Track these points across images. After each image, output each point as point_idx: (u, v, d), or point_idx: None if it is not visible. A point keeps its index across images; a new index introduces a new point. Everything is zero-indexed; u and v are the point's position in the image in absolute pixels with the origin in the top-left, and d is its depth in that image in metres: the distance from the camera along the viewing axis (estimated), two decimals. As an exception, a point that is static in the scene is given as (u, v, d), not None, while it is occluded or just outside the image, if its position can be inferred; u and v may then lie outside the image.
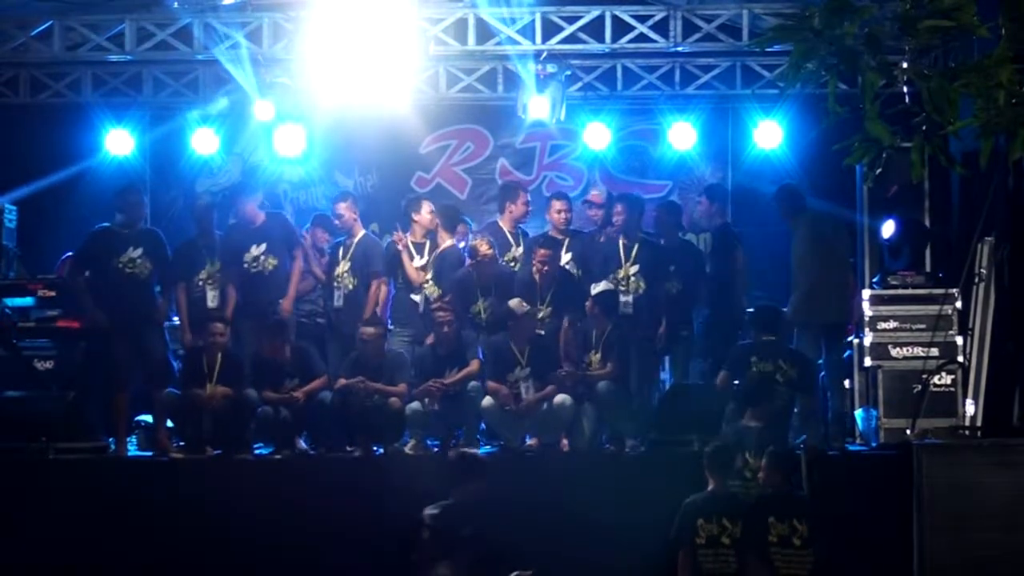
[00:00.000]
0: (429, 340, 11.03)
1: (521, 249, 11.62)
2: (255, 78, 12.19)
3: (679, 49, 12.21)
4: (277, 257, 11.27)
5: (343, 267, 11.53)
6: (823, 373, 10.92)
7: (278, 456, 10.59)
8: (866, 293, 11.15)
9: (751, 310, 10.99)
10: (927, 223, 11.85)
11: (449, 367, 10.75)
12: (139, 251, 10.75)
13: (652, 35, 12.01)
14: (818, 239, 10.91)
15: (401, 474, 10.13)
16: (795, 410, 10.21)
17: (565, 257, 11.51)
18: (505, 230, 11.74)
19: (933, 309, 10.72)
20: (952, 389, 10.74)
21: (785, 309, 10.94)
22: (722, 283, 11.35)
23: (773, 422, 9.50)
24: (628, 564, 9.51)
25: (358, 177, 14.15)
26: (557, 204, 11.67)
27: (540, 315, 11.07)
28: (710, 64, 12.92)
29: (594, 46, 12.16)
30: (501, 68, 13.00)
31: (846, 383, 11.13)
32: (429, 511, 8.59)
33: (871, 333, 10.97)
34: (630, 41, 12.09)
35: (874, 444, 10.74)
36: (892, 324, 10.98)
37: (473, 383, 10.61)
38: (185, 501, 10.07)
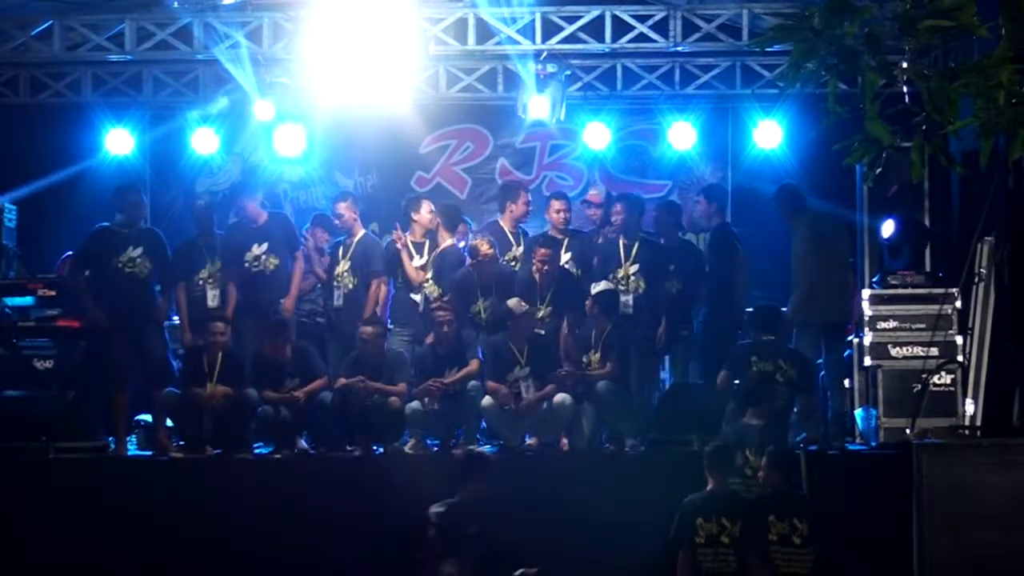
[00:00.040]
0: (428, 339, 11.03)
1: (521, 249, 11.63)
2: (255, 78, 12.19)
3: (679, 49, 12.20)
4: (279, 257, 11.28)
5: (343, 267, 11.53)
6: (823, 372, 10.93)
7: (278, 456, 10.59)
8: (866, 293, 11.15)
9: (750, 310, 10.99)
10: (927, 223, 11.85)
11: (449, 367, 10.75)
12: (139, 251, 10.75)
13: (652, 35, 12.01)
14: (818, 239, 10.91)
15: (401, 474, 10.14)
16: (795, 409, 10.23)
17: (564, 257, 11.51)
18: (506, 230, 11.74)
19: (933, 309, 10.72)
20: (952, 389, 10.74)
21: (785, 309, 10.96)
22: (721, 283, 11.35)
23: (774, 421, 9.51)
24: (628, 564, 9.51)
25: (358, 177, 14.15)
26: (556, 204, 11.68)
27: (540, 315, 11.08)
28: (710, 64, 12.91)
29: (594, 46, 12.15)
30: (501, 68, 13.00)
31: (846, 383, 11.12)
32: (435, 509, 8.60)
33: (871, 333, 10.97)
34: (630, 41, 12.09)
35: (874, 444, 10.74)
36: (892, 324, 10.98)
37: (473, 383, 10.61)
38: (185, 501, 10.07)
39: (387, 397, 10.59)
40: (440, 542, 8.44)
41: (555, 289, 11.15)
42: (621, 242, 11.36)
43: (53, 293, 11.46)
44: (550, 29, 12.04)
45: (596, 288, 11.01)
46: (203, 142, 13.35)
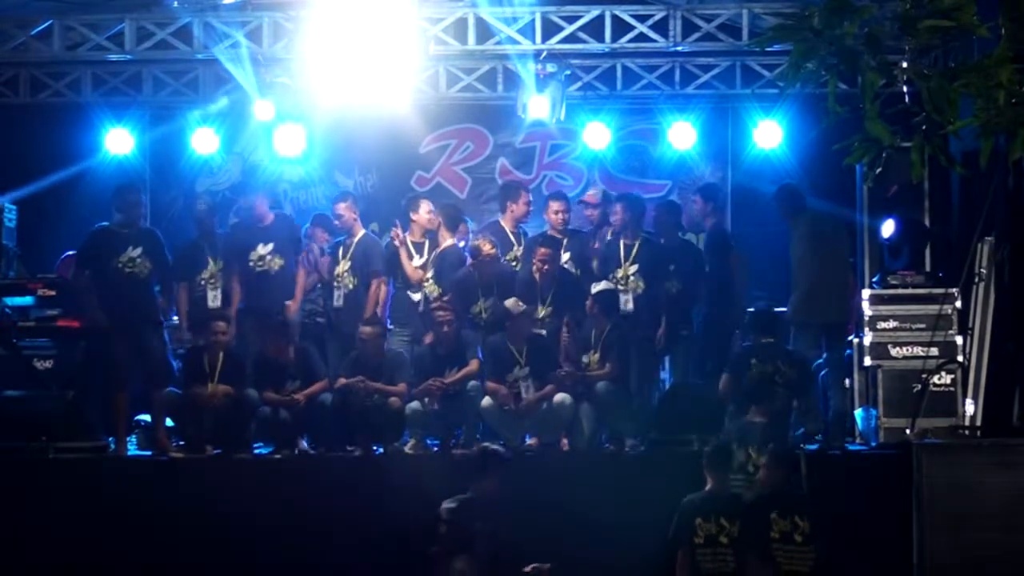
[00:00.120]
0: (428, 339, 11.03)
1: (522, 248, 11.63)
2: (255, 78, 12.18)
3: (679, 49, 12.19)
4: (284, 258, 11.29)
5: (343, 267, 11.54)
6: (824, 372, 10.93)
7: (278, 456, 10.59)
8: (866, 293, 11.15)
9: (751, 310, 11.00)
10: (927, 223, 11.84)
11: (449, 367, 10.75)
12: (139, 251, 10.74)
13: (652, 35, 12.00)
14: (818, 239, 10.91)
15: (401, 474, 10.15)
16: (793, 408, 10.25)
17: (563, 257, 11.50)
18: (507, 229, 11.75)
19: (933, 309, 10.72)
20: (952, 389, 10.74)
21: (785, 309, 10.97)
22: (718, 283, 11.34)
23: (776, 419, 9.52)
24: (628, 564, 9.52)
25: (358, 177, 14.15)
26: (554, 205, 11.68)
27: (541, 315, 11.08)
28: (710, 64, 12.91)
29: (594, 46, 12.14)
30: (501, 68, 12.99)
31: (846, 382, 11.12)
32: (446, 505, 8.60)
33: (871, 333, 10.97)
34: (630, 41, 12.08)
35: (874, 444, 10.74)
36: (892, 324, 10.97)
37: (473, 383, 10.61)
38: (185, 501, 10.07)
39: (387, 397, 10.59)
40: (452, 538, 8.44)
41: (555, 289, 11.15)
42: (622, 242, 11.37)
43: (53, 293, 11.46)
44: (550, 29, 12.03)
45: (596, 288, 11.02)
46: (203, 142, 13.35)
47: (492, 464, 8.87)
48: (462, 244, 11.66)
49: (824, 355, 10.99)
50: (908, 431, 10.12)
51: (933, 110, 6.46)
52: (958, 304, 10.81)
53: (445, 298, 11.16)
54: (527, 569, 8.48)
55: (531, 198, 12.00)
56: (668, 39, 11.98)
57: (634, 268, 11.25)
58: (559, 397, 10.53)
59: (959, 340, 10.79)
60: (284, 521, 9.96)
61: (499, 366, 10.72)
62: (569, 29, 12.00)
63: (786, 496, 8.67)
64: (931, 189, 11.84)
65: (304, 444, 10.65)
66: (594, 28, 12.01)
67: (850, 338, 11.27)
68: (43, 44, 12.15)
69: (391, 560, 9.80)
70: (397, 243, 11.59)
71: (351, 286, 11.50)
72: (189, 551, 9.95)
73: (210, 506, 10.06)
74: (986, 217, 10.38)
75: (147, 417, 10.98)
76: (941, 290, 10.88)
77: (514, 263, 11.57)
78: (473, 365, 10.71)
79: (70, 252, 11.75)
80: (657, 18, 11.98)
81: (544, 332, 11.05)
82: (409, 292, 11.60)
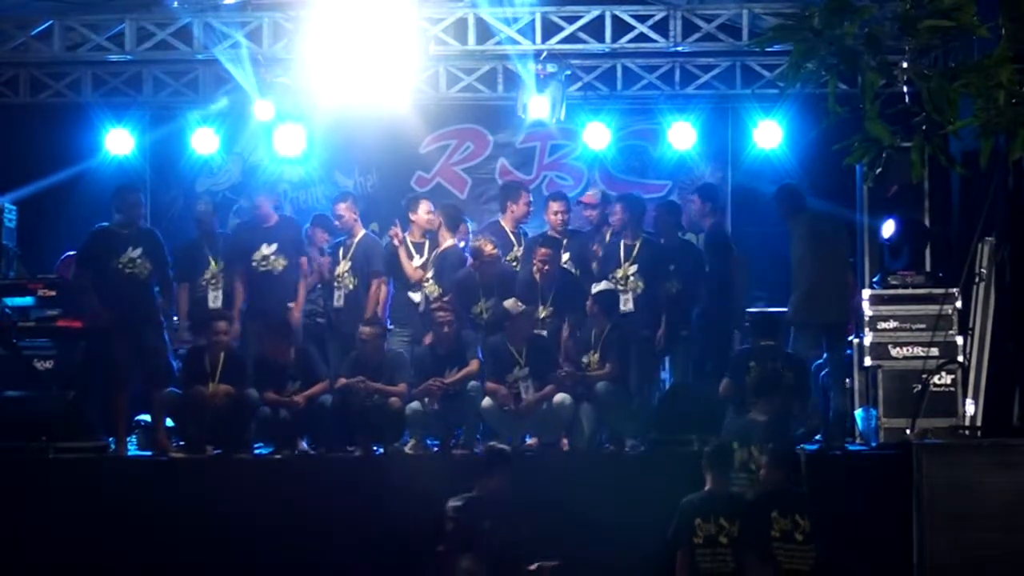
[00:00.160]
0: (427, 339, 11.02)
1: (522, 249, 11.63)
2: (255, 78, 12.19)
3: (679, 49, 12.20)
4: (287, 259, 11.29)
5: (343, 267, 11.54)
6: (824, 371, 10.93)
7: (278, 456, 10.58)
8: (866, 293, 11.15)
9: (751, 311, 11.00)
10: (927, 223, 11.84)
11: (449, 367, 10.75)
12: (138, 251, 10.73)
13: (652, 35, 12.00)
14: (817, 239, 10.89)
15: (401, 474, 10.15)
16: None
17: (563, 257, 11.50)
18: (507, 230, 11.74)
19: (933, 309, 10.72)
20: (952, 389, 10.74)
21: (785, 309, 10.97)
22: (717, 283, 11.32)
23: (779, 417, 9.52)
24: (628, 564, 9.52)
25: (358, 177, 14.15)
26: (554, 205, 11.67)
27: (542, 315, 11.08)
28: (710, 64, 12.91)
29: (594, 46, 12.15)
30: (501, 68, 12.99)
31: (847, 382, 11.12)
32: (452, 503, 8.60)
33: (871, 333, 10.97)
34: (630, 41, 12.08)
35: (874, 444, 10.74)
36: (892, 324, 10.97)
37: (473, 383, 10.61)
38: (185, 501, 10.06)
39: (387, 397, 10.59)
40: (458, 536, 8.44)
41: (556, 290, 11.15)
42: (622, 242, 11.37)
43: (53, 293, 11.46)
44: (550, 29, 12.03)
45: (596, 288, 11.02)
46: (203, 142, 13.35)
47: (498, 462, 8.87)
48: (462, 244, 11.66)
49: (824, 355, 10.98)
50: (908, 431, 10.12)
51: (933, 110, 6.46)
52: (958, 304, 10.81)
53: (445, 298, 11.15)
54: (532, 567, 8.49)
55: (531, 198, 12.00)
56: (668, 39, 11.98)
57: (634, 268, 11.25)
58: (559, 397, 10.53)
59: (959, 340, 10.79)
60: (284, 521, 9.96)
61: (499, 366, 10.71)
62: (569, 29, 12.00)
63: (787, 495, 8.67)
64: (931, 189, 11.84)
65: (304, 444, 10.64)
66: (594, 28, 12.02)
67: (850, 338, 11.27)
68: (43, 44, 12.15)
69: (391, 560, 9.80)
70: (396, 243, 11.59)
71: (351, 286, 11.51)
72: (189, 551, 9.95)
73: (210, 506, 10.05)
74: (986, 217, 10.38)
75: (147, 417, 10.98)
76: (941, 290, 10.88)
77: (514, 263, 11.57)
78: (473, 365, 10.71)
79: (70, 252, 11.74)
80: (657, 18, 11.98)
81: (545, 333, 11.05)
82: (408, 292, 11.59)
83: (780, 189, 11.46)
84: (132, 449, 10.87)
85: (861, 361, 11.10)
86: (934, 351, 10.57)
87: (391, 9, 11.37)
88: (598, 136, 13.26)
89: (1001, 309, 10.51)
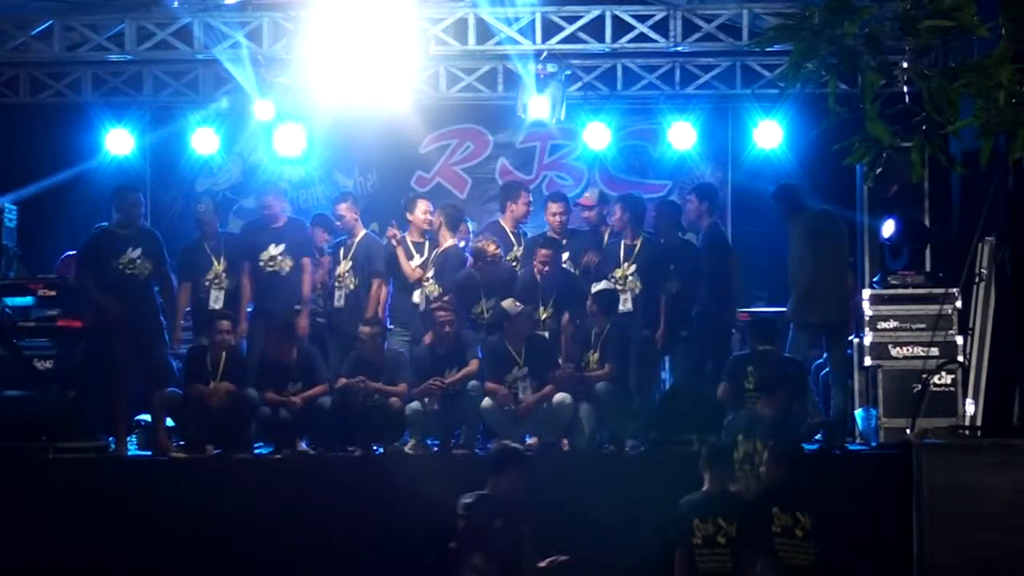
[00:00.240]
0: (427, 339, 11.02)
1: (522, 249, 11.63)
2: (255, 78, 12.19)
3: (679, 49, 12.20)
4: (294, 260, 11.28)
5: (344, 267, 11.54)
6: (825, 371, 10.93)
7: (278, 456, 10.58)
8: (866, 293, 11.15)
9: (750, 312, 11.00)
10: (927, 223, 11.85)
11: (449, 367, 10.74)
12: (138, 251, 10.73)
13: (652, 35, 12.01)
14: (817, 238, 10.88)
15: (401, 474, 10.14)
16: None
17: (563, 256, 11.50)
18: (507, 229, 11.74)
19: (933, 309, 10.73)
20: (952, 389, 10.74)
21: (784, 309, 10.97)
22: (716, 283, 11.32)
23: (783, 413, 9.53)
24: (628, 564, 9.51)
25: (358, 177, 14.16)
26: (553, 207, 11.66)
27: (543, 317, 11.08)
28: (710, 64, 12.92)
29: (594, 46, 12.15)
30: (501, 68, 13.00)
31: (847, 382, 11.12)
32: (464, 500, 8.59)
33: (871, 333, 10.98)
34: (630, 41, 12.09)
35: (874, 444, 10.75)
36: (892, 324, 10.98)
37: (473, 383, 10.61)
38: (185, 501, 10.06)
39: (387, 397, 10.59)
40: (469, 533, 8.44)
41: (557, 291, 11.14)
42: (623, 242, 11.37)
43: (53, 293, 11.46)
44: (550, 29, 12.04)
45: (596, 288, 11.02)
46: (203, 142, 13.36)
47: (512, 462, 8.87)
48: (462, 244, 11.66)
49: (825, 355, 10.99)
50: (908, 431, 10.12)
51: (933, 110, 6.47)
52: (958, 304, 10.81)
53: (445, 298, 11.15)
54: (543, 563, 8.50)
55: (531, 198, 11.99)
56: (668, 39, 11.99)
57: (633, 268, 11.25)
58: (559, 397, 10.53)
59: (959, 340, 10.79)
60: (284, 521, 9.95)
61: (498, 366, 10.71)
62: (569, 29, 12.01)
63: (788, 492, 8.64)
64: (931, 189, 11.85)
65: (304, 444, 10.64)
66: (594, 28, 12.02)
67: (850, 338, 11.27)
68: (43, 44, 12.16)
69: (391, 560, 9.80)
70: (394, 243, 11.58)
71: (352, 286, 11.50)
72: (189, 551, 9.94)
73: (210, 506, 10.05)
74: (986, 217, 10.38)
75: (147, 417, 10.97)
76: (941, 290, 10.89)
77: (514, 263, 11.57)
78: (473, 365, 10.71)
79: (70, 252, 11.75)
80: (657, 18, 11.99)
81: (547, 334, 11.05)
82: (407, 293, 11.57)
83: (779, 189, 11.45)
84: (132, 449, 10.86)
85: (861, 361, 11.10)
86: (934, 351, 10.58)
87: (391, 9, 11.37)
88: (598, 136, 13.26)
89: (1001, 309, 10.51)
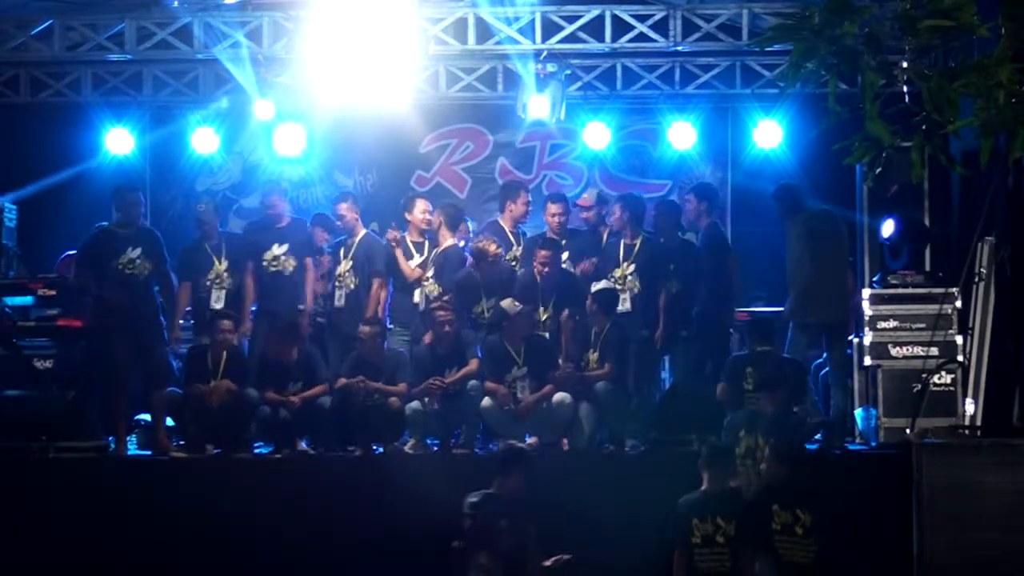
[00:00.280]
0: (427, 339, 11.02)
1: (521, 249, 11.63)
2: (255, 78, 12.20)
3: (679, 49, 12.21)
4: (298, 260, 11.29)
5: (345, 266, 11.53)
6: (825, 371, 10.93)
7: (278, 456, 10.58)
8: (866, 292, 11.15)
9: (749, 311, 10.99)
10: (927, 223, 11.85)
11: (448, 366, 10.74)
12: (138, 251, 10.73)
13: (652, 35, 12.01)
14: (816, 238, 10.86)
15: (401, 474, 10.14)
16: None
17: (563, 256, 11.50)
18: (506, 229, 11.73)
19: (933, 309, 10.73)
20: (952, 389, 10.75)
21: (782, 309, 10.98)
22: (714, 284, 11.31)
23: (784, 410, 9.53)
24: (628, 564, 9.52)
25: (358, 177, 14.16)
26: (552, 208, 11.64)
27: (543, 318, 11.08)
28: (710, 64, 12.91)
29: (594, 46, 12.16)
30: (501, 68, 13.00)
31: (847, 382, 11.12)
32: (470, 499, 8.60)
33: (871, 332, 10.98)
34: (630, 41, 12.09)
35: (874, 444, 10.75)
36: (892, 323, 10.99)
37: (473, 382, 10.60)
38: (185, 501, 10.06)
39: (387, 397, 10.59)
40: (475, 532, 8.45)
41: (558, 293, 11.14)
42: (623, 242, 11.36)
43: (53, 293, 11.47)
44: (550, 29, 12.04)
45: (596, 287, 11.02)
46: (203, 142, 13.36)
47: (517, 462, 8.88)
48: (462, 244, 11.65)
49: (825, 355, 10.99)
50: (908, 431, 10.12)
51: (933, 110, 6.47)
52: (958, 304, 10.82)
53: (445, 298, 11.15)
54: (548, 562, 8.50)
55: (530, 198, 11.97)
56: (668, 39, 11.99)
57: (632, 268, 11.24)
58: (559, 397, 10.53)
59: (959, 340, 10.80)
60: (284, 521, 9.96)
61: (497, 366, 10.71)
62: (569, 29, 12.01)
63: (789, 490, 8.64)
64: (931, 189, 11.85)
65: (304, 444, 10.64)
66: (594, 28, 12.02)
67: (850, 338, 11.27)
68: (43, 44, 12.16)
69: (391, 560, 9.80)
70: (393, 244, 11.57)
71: (352, 286, 11.49)
72: (189, 551, 9.95)
73: (210, 506, 10.05)
74: (986, 217, 10.38)
75: (147, 417, 10.97)
76: (941, 290, 10.89)
77: (513, 263, 11.57)
78: (473, 365, 10.70)
79: (70, 252, 11.75)
80: (657, 18, 11.99)
81: (547, 335, 11.04)
82: (406, 292, 11.57)
83: (778, 189, 11.44)
84: (132, 449, 10.87)
85: (861, 361, 11.10)
86: (934, 351, 10.58)
87: (391, 9, 11.37)
88: (598, 136, 13.26)
89: (1001, 309, 10.51)
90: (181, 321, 11.33)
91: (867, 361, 10.99)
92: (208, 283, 11.20)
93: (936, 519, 9.39)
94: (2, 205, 12.48)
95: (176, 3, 12.07)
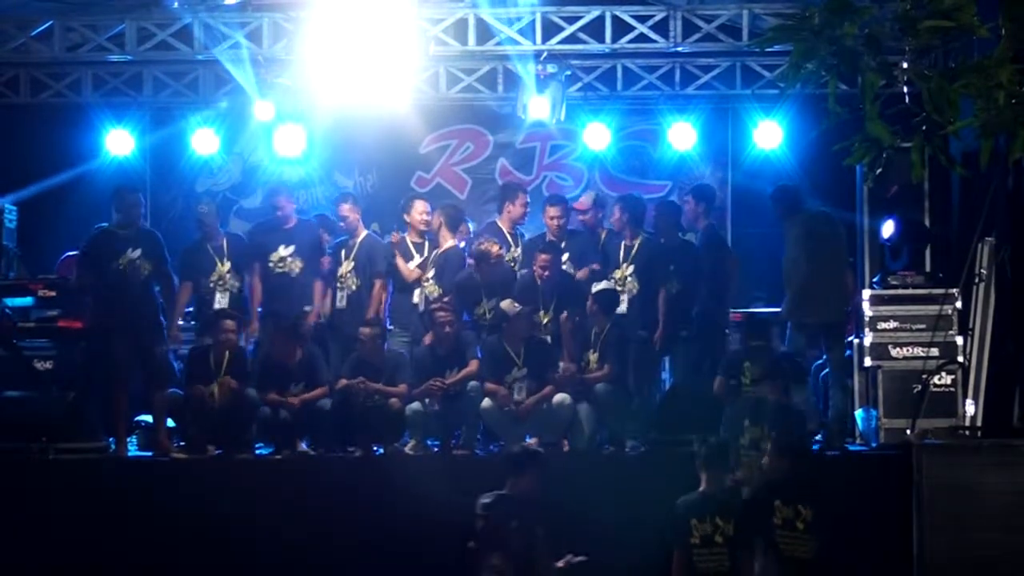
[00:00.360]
0: (427, 340, 11.02)
1: (519, 250, 11.63)
2: (255, 78, 12.19)
3: (679, 49, 12.21)
4: (304, 261, 11.28)
5: (346, 267, 11.53)
6: (825, 371, 10.93)
7: (278, 456, 10.59)
8: (866, 293, 11.15)
9: (745, 311, 11.00)
10: (927, 223, 11.85)
11: (449, 367, 10.74)
12: (138, 252, 10.73)
13: (652, 35, 12.01)
14: (814, 239, 10.87)
15: (401, 474, 10.14)
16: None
17: (563, 257, 11.49)
18: (504, 230, 11.74)
19: (933, 309, 10.73)
20: (952, 389, 10.74)
21: (779, 310, 10.98)
22: (713, 284, 11.31)
23: (788, 397, 9.54)
24: (628, 564, 9.52)
25: (358, 177, 14.15)
26: (551, 211, 11.63)
27: (544, 321, 11.07)
28: (710, 64, 12.91)
29: (594, 46, 12.16)
30: (501, 68, 12.99)
31: (847, 383, 11.12)
32: (483, 500, 8.61)
33: (871, 333, 10.98)
34: (630, 41, 12.09)
35: (874, 444, 10.75)
36: (892, 324, 10.98)
37: (473, 383, 10.61)
38: (185, 502, 10.07)
39: (387, 398, 10.60)
40: (487, 533, 8.45)
41: (558, 295, 11.14)
42: (623, 243, 11.36)
43: (53, 293, 11.47)
44: (550, 29, 12.04)
45: (596, 287, 11.02)
46: (203, 142, 13.35)
47: (530, 463, 8.89)
48: (462, 245, 11.65)
49: (824, 355, 10.99)
50: (908, 432, 10.12)
51: (933, 110, 6.46)
52: (958, 304, 10.81)
53: (445, 299, 11.15)
54: (560, 563, 8.51)
55: (529, 200, 11.95)
56: (668, 40, 11.99)
57: (631, 269, 11.24)
58: (559, 398, 10.54)
59: (959, 340, 10.79)
60: (284, 522, 9.96)
61: (497, 367, 10.71)
62: (569, 30, 12.02)
63: (790, 485, 8.64)
64: (931, 189, 11.84)
65: (304, 445, 10.64)
66: (594, 28, 12.02)
67: (850, 339, 11.26)
68: (43, 45, 12.16)
69: (391, 560, 9.80)
70: (393, 244, 11.58)
71: (354, 287, 11.49)
72: (189, 552, 9.95)
73: (210, 506, 10.06)
74: (986, 217, 10.38)
75: (148, 418, 10.97)
76: (941, 290, 10.89)
77: (512, 264, 11.56)
78: (473, 366, 10.71)
79: (70, 252, 11.75)
80: (657, 19, 11.99)
81: (548, 338, 11.04)
82: (406, 293, 11.57)
83: (777, 190, 11.45)
84: (132, 450, 10.87)
85: (861, 361, 11.10)
86: (934, 351, 10.58)
87: (391, 9, 11.38)
88: (598, 136, 13.26)
89: (1001, 309, 10.51)
90: (182, 322, 11.34)
91: (867, 362, 10.98)
92: (211, 284, 11.21)
93: (936, 519, 9.39)
94: (2, 206, 12.48)
95: (176, 4, 12.06)
